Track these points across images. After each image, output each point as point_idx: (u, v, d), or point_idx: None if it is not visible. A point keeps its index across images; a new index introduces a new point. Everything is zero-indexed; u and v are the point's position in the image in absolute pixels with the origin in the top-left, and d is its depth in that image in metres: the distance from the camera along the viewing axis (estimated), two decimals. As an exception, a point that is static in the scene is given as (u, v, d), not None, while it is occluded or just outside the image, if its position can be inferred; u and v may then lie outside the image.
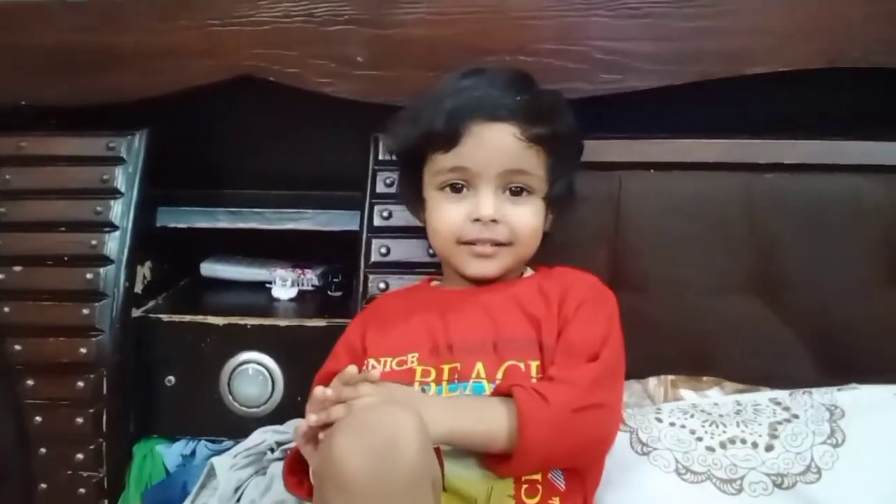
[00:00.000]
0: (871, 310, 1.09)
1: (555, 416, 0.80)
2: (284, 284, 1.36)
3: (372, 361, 0.94)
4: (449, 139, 0.93)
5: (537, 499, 0.82)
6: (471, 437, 0.80)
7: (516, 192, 0.96)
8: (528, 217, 0.96)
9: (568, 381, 0.83)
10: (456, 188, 0.96)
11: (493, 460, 0.81)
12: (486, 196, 0.94)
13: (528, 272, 1.03)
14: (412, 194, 1.03)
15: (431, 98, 0.97)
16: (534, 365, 0.88)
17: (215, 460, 1.13)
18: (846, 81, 1.15)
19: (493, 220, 0.94)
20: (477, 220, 0.94)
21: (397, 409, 0.72)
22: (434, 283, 1.07)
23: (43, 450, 1.22)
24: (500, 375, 0.87)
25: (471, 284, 0.99)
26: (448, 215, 0.96)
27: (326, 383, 0.91)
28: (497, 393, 0.83)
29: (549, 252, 1.03)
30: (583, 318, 0.91)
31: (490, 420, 0.80)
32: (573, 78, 1.13)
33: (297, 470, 0.87)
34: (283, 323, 1.25)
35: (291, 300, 1.36)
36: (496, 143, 0.93)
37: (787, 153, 1.12)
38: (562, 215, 1.03)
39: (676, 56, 1.12)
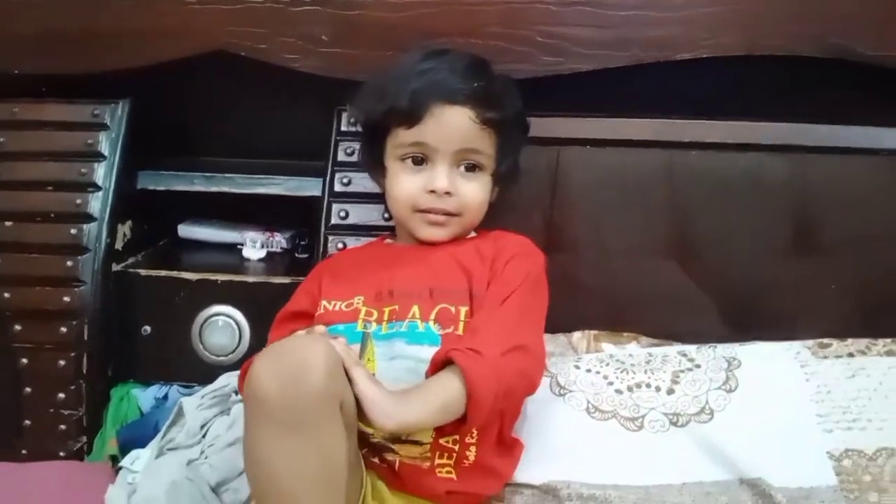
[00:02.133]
0: (772, 275, 1.20)
1: (490, 364, 0.88)
2: (255, 245, 1.44)
3: (323, 302, 1.04)
4: (411, 117, 1.02)
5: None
6: (433, 416, 0.86)
7: (468, 167, 1.06)
8: (477, 191, 1.07)
9: (489, 327, 0.94)
10: (416, 160, 1.05)
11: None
12: (442, 171, 1.04)
13: (472, 234, 1.13)
14: (374, 162, 1.12)
15: (396, 76, 1.06)
16: (463, 310, 0.99)
17: (184, 400, 1.21)
18: (768, 66, 1.24)
19: (447, 193, 1.04)
20: (432, 191, 1.04)
21: (309, 340, 0.81)
22: (387, 241, 1.18)
23: (28, 389, 1.31)
24: (432, 316, 0.98)
25: (419, 243, 1.10)
26: (406, 185, 1.06)
27: (287, 321, 1.08)
28: (436, 360, 0.90)
29: (492, 217, 1.13)
30: (507, 271, 1.01)
31: (444, 395, 0.86)
32: (518, 59, 1.22)
33: None
34: (250, 279, 1.33)
35: (261, 260, 1.44)
36: (454, 124, 1.03)
37: (709, 132, 1.22)
38: (506, 188, 1.14)
39: (612, 41, 1.22)
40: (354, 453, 0.88)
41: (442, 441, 0.93)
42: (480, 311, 0.97)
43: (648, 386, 1.04)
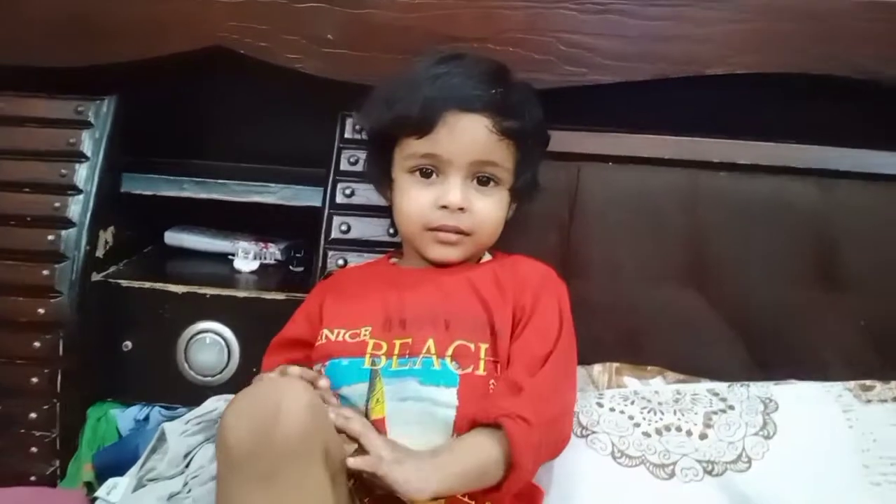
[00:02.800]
0: (797, 305, 1.13)
1: (538, 434, 0.82)
2: (247, 256, 1.37)
3: (325, 332, 0.95)
4: (423, 126, 0.95)
5: None
6: (469, 482, 0.81)
7: (484, 181, 0.98)
8: (492, 208, 0.99)
9: (537, 391, 0.85)
10: (426, 173, 0.97)
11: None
12: (455, 184, 0.96)
13: (487, 257, 1.05)
14: (380, 173, 1.04)
15: (408, 81, 0.98)
16: (483, 347, 0.90)
17: (166, 426, 1.12)
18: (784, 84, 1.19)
19: (460, 209, 0.96)
20: (444, 206, 0.96)
21: (283, 381, 0.74)
22: (393, 260, 1.09)
23: None
24: (449, 353, 0.90)
25: (429, 265, 1.01)
26: (416, 200, 0.98)
27: (283, 349, 1.01)
28: (476, 420, 0.84)
29: (505, 235, 1.05)
30: (541, 315, 0.93)
31: (482, 460, 0.81)
32: (538, 69, 1.15)
33: None
34: (241, 294, 1.25)
35: (253, 273, 1.36)
36: (469, 134, 0.95)
37: (739, 153, 1.15)
38: (523, 205, 1.06)
39: (638, 53, 1.15)
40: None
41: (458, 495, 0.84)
42: (517, 362, 0.89)
43: (679, 429, 0.96)
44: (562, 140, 1.13)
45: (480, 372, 0.89)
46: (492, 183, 0.98)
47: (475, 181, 0.98)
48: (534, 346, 0.90)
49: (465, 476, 0.79)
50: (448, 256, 0.99)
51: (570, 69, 1.15)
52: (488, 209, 0.98)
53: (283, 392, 0.72)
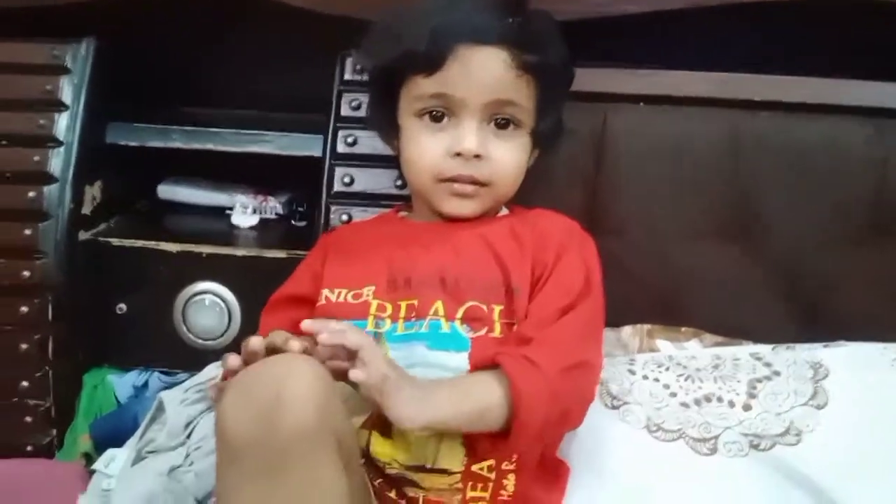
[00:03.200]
0: (851, 260, 1.03)
1: (546, 380, 0.74)
2: (245, 211, 1.30)
3: (325, 292, 0.88)
4: (432, 62, 0.84)
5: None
6: (465, 418, 0.74)
7: (502, 124, 0.87)
8: (513, 154, 0.88)
9: (549, 340, 0.78)
10: (436, 116, 0.87)
11: (480, 441, 0.76)
12: (470, 128, 0.86)
13: (504, 211, 0.96)
14: (385, 119, 0.93)
15: (414, 11, 0.87)
16: (497, 308, 0.82)
17: (164, 394, 1.08)
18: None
19: (476, 156, 0.86)
20: (458, 154, 0.86)
21: (288, 361, 0.66)
22: (402, 214, 1.00)
23: None
24: (459, 315, 0.82)
25: (440, 219, 0.92)
26: (427, 148, 0.87)
27: (283, 306, 0.92)
28: (477, 365, 0.78)
29: (522, 191, 0.95)
30: (562, 270, 0.84)
31: (481, 398, 0.74)
32: (559, -2, 1.03)
33: None
34: (240, 252, 1.18)
35: (252, 228, 1.29)
36: (484, 70, 0.84)
37: (785, 91, 1.04)
38: (546, 152, 0.95)
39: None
40: (360, 495, 0.73)
41: (475, 469, 0.78)
42: (532, 317, 0.81)
43: (720, 400, 0.88)
44: (585, 79, 1.01)
45: (495, 335, 0.81)
46: (511, 126, 0.88)
47: (492, 124, 0.87)
48: (552, 301, 0.82)
49: (462, 412, 0.73)
50: (463, 210, 0.89)
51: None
52: (508, 156, 0.88)
53: (288, 372, 0.64)
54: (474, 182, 0.87)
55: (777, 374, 0.91)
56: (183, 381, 1.13)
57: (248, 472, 0.62)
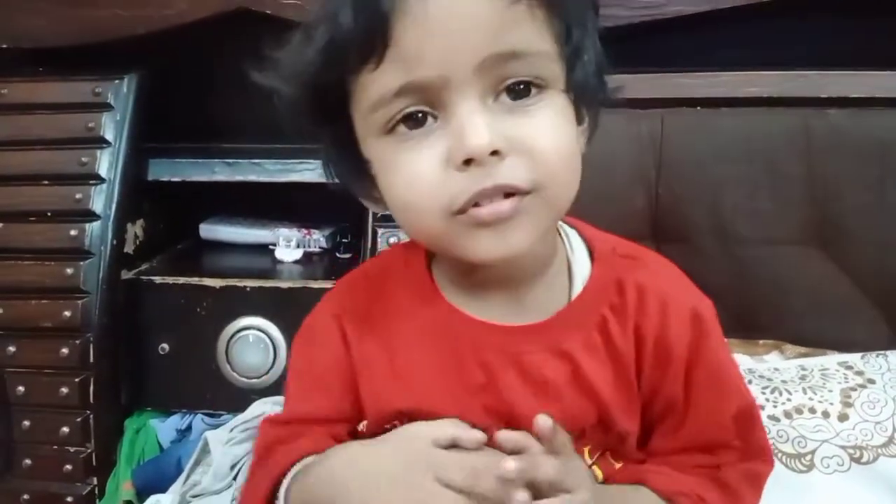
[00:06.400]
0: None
1: None
2: (289, 245, 1.27)
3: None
4: (370, 35, 0.53)
5: None
6: None
7: (519, 91, 0.55)
8: (554, 129, 0.55)
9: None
10: (414, 118, 0.55)
11: None
12: (470, 114, 0.53)
13: (580, 254, 0.63)
14: (344, 159, 0.61)
15: None
16: (586, 450, 0.62)
17: (209, 434, 1.05)
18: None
19: (495, 153, 0.53)
20: (468, 160, 0.53)
21: None
22: (436, 275, 0.65)
23: (26, 423, 1.15)
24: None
25: (476, 274, 0.61)
26: (415, 171, 0.55)
27: (284, 437, 0.64)
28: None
29: (576, 204, 0.89)
30: (702, 404, 0.62)
31: None
32: (609, 2, 1.01)
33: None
34: (284, 285, 1.16)
35: (296, 262, 1.27)
36: (457, 14, 0.52)
37: (853, 86, 0.99)
38: (597, 116, 0.61)
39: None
40: None
41: None
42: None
43: (813, 411, 0.80)
44: (640, 85, 0.99)
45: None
46: (534, 89, 0.55)
47: (504, 96, 0.54)
48: (692, 457, 0.63)
49: None
50: (510, 246, 0.55)
51: (645, 0, 1.02)
52: (547, 133, 0.55)
53: None
54: (511, 192, 0.54)
55: (871, 381, 0.83)
56: (227, 422, 1.09)
57: None
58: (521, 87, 0.55)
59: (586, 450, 0.61)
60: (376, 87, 0.54)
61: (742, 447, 0.62)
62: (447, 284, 0.63)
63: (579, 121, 0.59)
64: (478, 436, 0.57)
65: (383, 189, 0.58)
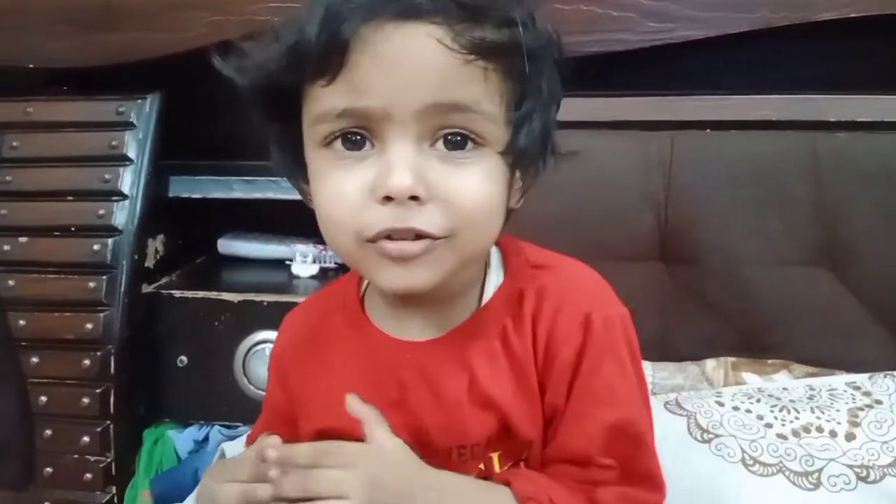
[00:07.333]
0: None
1: None
2: (305, 260, 1.28)
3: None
4: (328, 54, 0.55)
5: None
6: None
7: (456, 143, 0.57)
8: (476, 187, 0.57)
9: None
10: (352, 140, 0.57)
11: None
12: (401, 155, 0.55)
13: (495, 271, 0.66)
14: (290, 157, 0.64)
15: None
16: (494, 457, 0.64)
17: (226, 445, 1.06)
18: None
19: (414, 197, 0.55)
20: (388, 198, 0.55)
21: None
22: (367, 297, 0.69)
23: (48, 431, 1.17)
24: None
25: (396, 304, 0.65)
26: (339, 192, 0.57)
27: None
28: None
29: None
30: (588, 413, 0.61)
31: None
32: (617, 28, 1.02)
33: None
34: (301, 299, 1.15)
35: (312, 277, 1.28)
36: (409, 58, 0.55)
37: (861, 109, 1.00)
38: (534, 178, 0.62)
39: (733, 1, 1.01)
40: None
41: None
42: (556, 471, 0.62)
43: (820, 430, 0.81)
44: (649, 107, 1.01)
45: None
46: (469, 144, 0.57)
47: (440, 144, 0.57)
48: (574, 472, 0.62)
49: None
50: (411, 283, 0.58)
51: (654, 25, 1.02)
52: (471, 186, 0.57)
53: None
54: (420, 236, 0.56)
55: (878, 402, 0.84)
56: (244, 434, 1.11)
57: None
58: (459, 139, 0.57)
59: (495, 457, 0.63)
60: (323, 102, 0.56)
61: (619, 468, 0.60)
62: (377, 306, 0.67)
63: (512, 182, 0.60)
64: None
65: (313, 197, 0.61)
